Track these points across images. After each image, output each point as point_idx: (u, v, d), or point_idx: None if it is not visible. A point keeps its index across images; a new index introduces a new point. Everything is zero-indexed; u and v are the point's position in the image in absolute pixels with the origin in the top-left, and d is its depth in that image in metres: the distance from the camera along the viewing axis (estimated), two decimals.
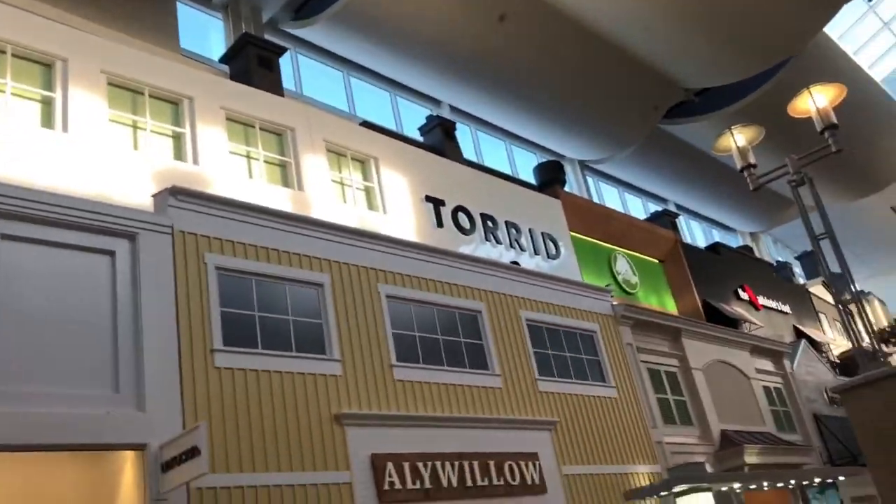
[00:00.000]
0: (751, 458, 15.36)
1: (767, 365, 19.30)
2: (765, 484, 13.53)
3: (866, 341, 9.20)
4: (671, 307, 21.35)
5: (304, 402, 9.59)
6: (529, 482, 11.43)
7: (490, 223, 15.95)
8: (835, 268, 9.54)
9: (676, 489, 11.40)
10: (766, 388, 18.55)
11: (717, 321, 19.90)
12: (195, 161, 11.58)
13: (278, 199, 12.11)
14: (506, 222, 16.31)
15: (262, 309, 9.83)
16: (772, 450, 16.08)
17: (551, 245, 17.33)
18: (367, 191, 14.29)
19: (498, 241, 15.90)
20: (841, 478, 14.94)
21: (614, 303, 15.43)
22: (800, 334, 25.06)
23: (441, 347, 11.67)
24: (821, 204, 9.48)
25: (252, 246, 10.05)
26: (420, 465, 10.21)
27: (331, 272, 10.74)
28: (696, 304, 21.54)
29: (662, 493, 11.69)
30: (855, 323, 9.18)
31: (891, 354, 23.09)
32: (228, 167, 11.97)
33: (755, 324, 22.93)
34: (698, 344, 17.02)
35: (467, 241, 15.23)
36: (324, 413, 9.68)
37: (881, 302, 38.08)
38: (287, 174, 12.93)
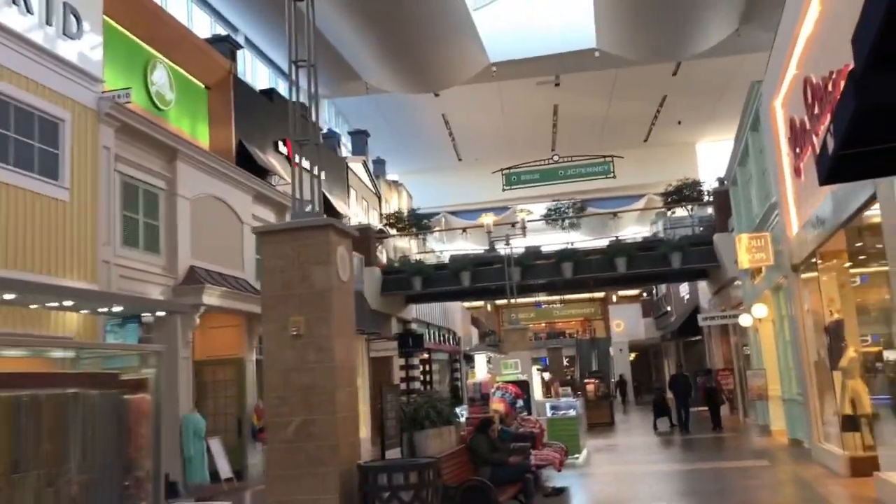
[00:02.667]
0: (210, 298, 14.66)
1: (269, 216, 18.85)
2: None
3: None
4: (203, 138, 19.68)
5: None
6: None
7: None
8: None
9: None
10: None
11: (246, 165, 18.87)
12: None
13: None
14: None
15: None
16: (236, 295, 15.61)
17: (73, 21, 14.09)
18: None
19: None
20: None
21: (102, 95, 13.15)
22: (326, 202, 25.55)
23: None
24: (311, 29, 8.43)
25: None
26: None
27: None
28: (230, 143, 20.18)
29: None
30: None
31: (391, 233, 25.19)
32: None
33: (284, 179, 22.52)
34: (196, 173, 15.66)
35: None
36: None
37: (409, 195, 41.26)
38: None
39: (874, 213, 8.71)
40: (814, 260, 11.85)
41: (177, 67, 18.55)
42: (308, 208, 8.26)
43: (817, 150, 8.91)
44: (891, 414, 9.69)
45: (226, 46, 22.63)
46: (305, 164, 8.42)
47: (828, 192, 9.71)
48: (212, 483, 13.98)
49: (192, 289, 14.51)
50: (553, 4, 31.19)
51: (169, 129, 15.83)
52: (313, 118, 8.46)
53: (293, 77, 8.42)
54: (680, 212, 26.23)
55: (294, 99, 8.36)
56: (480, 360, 32.12)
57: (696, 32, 28.87)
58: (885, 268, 9.71)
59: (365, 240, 21.98)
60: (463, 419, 11.89)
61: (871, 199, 8.10)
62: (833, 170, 5.58)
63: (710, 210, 25.97)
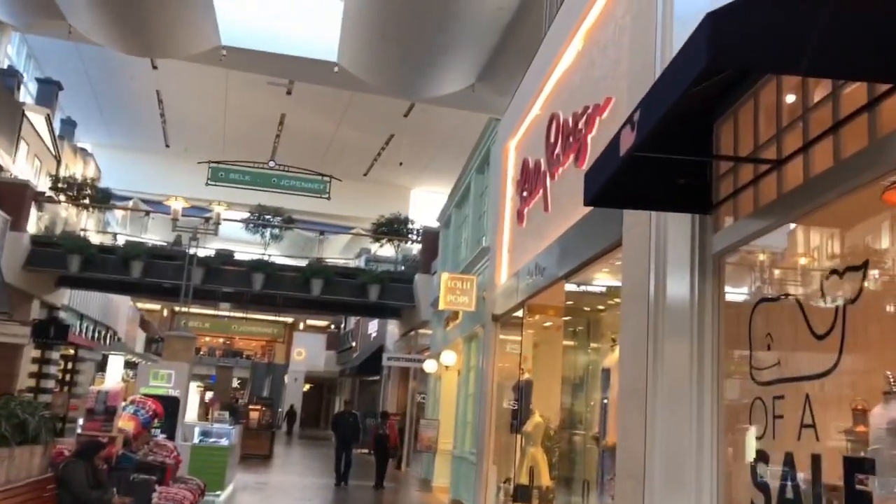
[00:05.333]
0: None
1: None
2: None
3: None
4: None
5: None
6: None
7: None
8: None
9: None
10: None
11: None
12: None
13: None
14: None
15: None
16: None
17: None
18: None
19: None
20: None
21: None
22: None
23: None
24: None
25: None
26: None
27: None
28: None
29: None
30: None
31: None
32: None
33: None
34: None
35: None
36: None
37: (98, 169, 36.46)
38: None
39: (604, 268, 7.88)
40: (519, 313, 11.04)
41: None
42: None
43: (546, 197, 8.05)
44: (570, 491, 8.89)
45: None
46: None
47: (554, 241, 8.82)
48: None
49: None
50: (303, 5, 29.38)
51: None
52: None
53: None
54: (386, 251, 25.38)
55: None
56: (116, 362, 26.70)
57: (435, 77, 28.66)
58: (597, 344, 9.04)
59: (18, 197, 18.03)
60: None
61: (600, 255, 7.19)
62: (612, 181, 4.34)
63: (415, 251, 25.40)
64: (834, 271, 3.51)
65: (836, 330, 3.38)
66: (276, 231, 23.70)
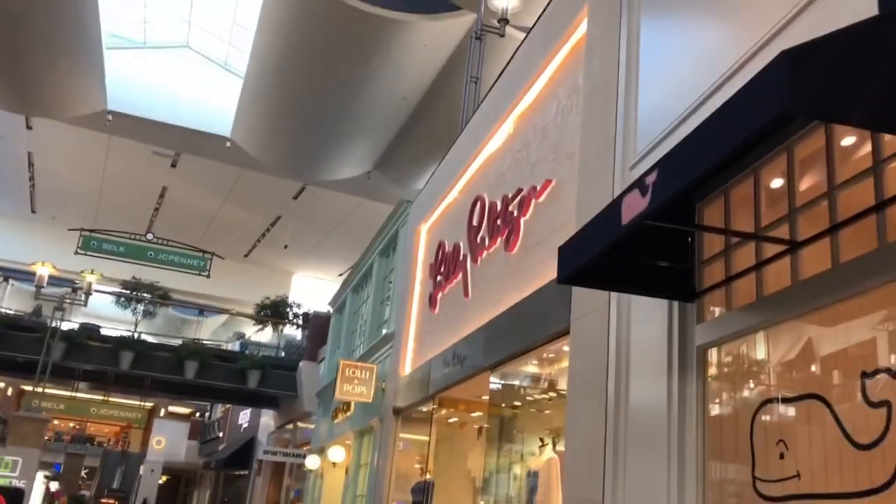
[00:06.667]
0: None
1: None
2: None
3: None
4: None
5: None
6: None
7: None
8: None
9: None
10: None
11: None
12: None
13: None
14: None
15: None
16: None
17: None
18: None
19: None
20: None
21: None
22: None
23: None
24: None
25: None
26: None
27: None
28: None
29: None
30: None
31: None
32: None
33: None
34: None
35: None
36: None
37: None
38: None
39: (532, 360, 7.31)
40: (427, 407, 10.26)
41: None
42: None
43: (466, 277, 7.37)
44: None
45: None
46: None
47: (479, 329, 8.21)
48: None
49: None
50: (201, 76, 28.55)
51: None
52: None
53: None
54: (263, 336, 24.05)
55: None
56: None
57: (332, 161, 28.16)
58: (519, 443, 8.37)
59: None
60: None
61: (541, 344, 6.62)
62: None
63: (299, 337, 24.17)
64: (881, 370, 3.03)
65: (891, 437, 2.88)
66: (151, 308, 21.99)
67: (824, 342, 3.45)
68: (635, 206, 3.34)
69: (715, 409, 4.10)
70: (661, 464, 4.26)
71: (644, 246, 4.32)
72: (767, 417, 3.63)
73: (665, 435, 4.27)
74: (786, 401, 3.53)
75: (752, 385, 3.91)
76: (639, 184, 3.33)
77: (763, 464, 3.56)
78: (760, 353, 3.88)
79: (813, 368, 3.48)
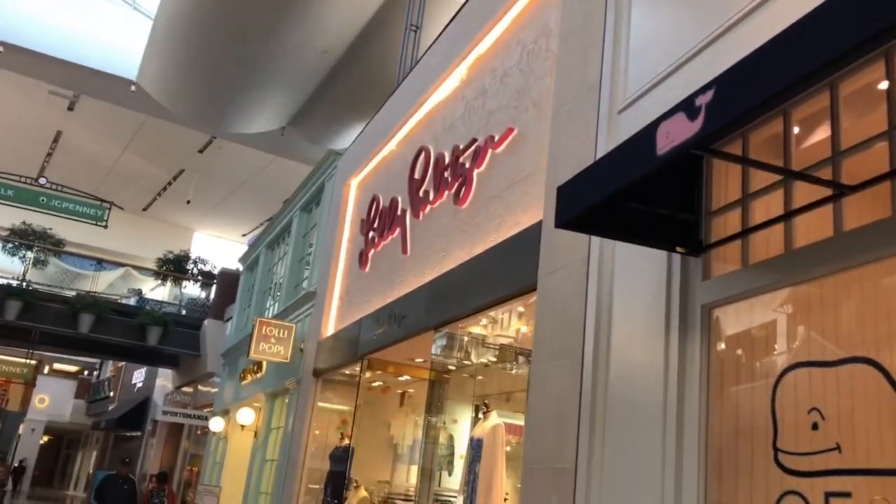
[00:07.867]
0: None
1: None
2: None
3: None
4: None
5: None
6: None
7: None
8: None
9: None
10: None
11: None
12: None
13: None
14: None
15: None
16: None
17: None
18: None
19: None
20: None
21: None
22: None
23: None
24: None
25: None
26: None
27: None
28: None
29: None
30: None
31: None
32: None
33: None
34: None
35: None
36: None
37: None
38: None
39: (481, 320, 6.84)
40: (350, 370, 9.67)
41: None
42: None
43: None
44: None
45: None
46: None
47: (422, 286, 7.66)
48: None
49: None
50: (107, 13, 26.60)
51: None
52: None
53: None
54: (160, 293, 22.78)
55: None
56: None
57: (244, 113, 26.77)
58: (456, 408, 7.91)
59: None
60: None
61: (501, 301, 6.14)
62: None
63: (202, 295, 23.02)
64: None
65: None
66: (42, 255, 20.41)
67: (872, 301, 3.07)
68: (680, 131, 2.86)
69: (723, 374, 3.71)
70: (653, 431, 3.85)
71: (642, 192, 3.85)
72: (795, 384, 3.24)
73: (660, 400, 3.86)
74: (823, 364, 3.14)
75: (776, 349, 3.52)
76: (686, 106, 2.85)
77: (790, 435, 3.18)
78: (783, 314, 3.50)
79: (859, 331, 3.10)
